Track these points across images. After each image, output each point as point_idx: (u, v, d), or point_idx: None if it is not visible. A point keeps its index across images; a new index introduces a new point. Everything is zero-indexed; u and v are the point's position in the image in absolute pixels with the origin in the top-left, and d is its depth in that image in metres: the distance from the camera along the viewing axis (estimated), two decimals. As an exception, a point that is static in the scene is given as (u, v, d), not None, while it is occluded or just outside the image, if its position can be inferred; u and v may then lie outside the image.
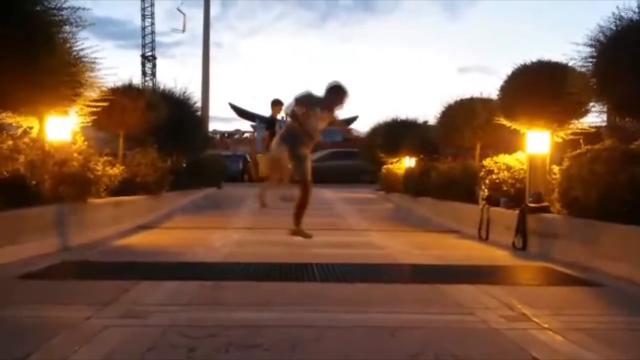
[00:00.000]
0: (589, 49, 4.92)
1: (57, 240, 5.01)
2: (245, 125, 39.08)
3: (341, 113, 5.94)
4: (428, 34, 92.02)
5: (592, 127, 6.17)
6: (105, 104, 6.20)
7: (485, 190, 6.64)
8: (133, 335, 2.53)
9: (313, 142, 5.92)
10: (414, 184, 10.13)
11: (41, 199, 4.95)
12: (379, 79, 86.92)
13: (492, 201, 6.48)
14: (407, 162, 11.75)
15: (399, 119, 13.14)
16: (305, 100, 5.76)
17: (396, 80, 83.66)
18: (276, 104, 9.86)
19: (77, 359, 2.21)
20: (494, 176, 6.65)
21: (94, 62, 5.73)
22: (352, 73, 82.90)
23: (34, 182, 4.90)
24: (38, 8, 4.87)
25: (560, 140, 6.21)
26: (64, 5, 4.97)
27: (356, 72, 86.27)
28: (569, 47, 5.10)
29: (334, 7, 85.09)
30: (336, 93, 5.86)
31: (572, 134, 6.13)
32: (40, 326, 2.65)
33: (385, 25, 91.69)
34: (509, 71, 6.52)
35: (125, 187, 7.01)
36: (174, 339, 2.47)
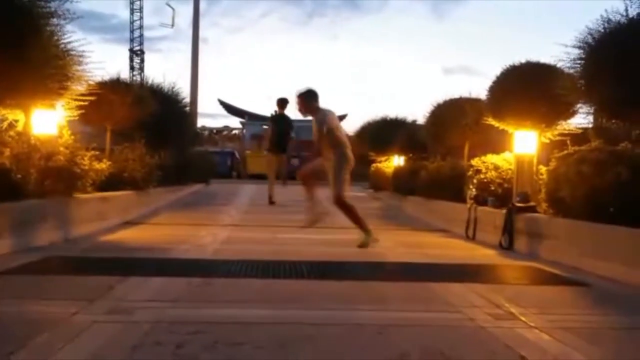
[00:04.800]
0: (577, 51, 4.97)
1: (43, 235, 4.95)
2: (234, 122, 38.90)
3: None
4: (414, 34, 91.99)
5: (579, 128, 6.24)
6: (92, 98, 6.13)
7: (473, 189, 6.69)
8: (120, 332, 2.51)
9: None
10: (402, 183, 10.17)
11: (26, 193, 4.89)
12: (365, 78, 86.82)
13: (479, 201, 6.53)
14: (396, 161, 11.79)
15: (388, 118, 13.19)
16: None
17: (382, 80, 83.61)
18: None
19: (63, 357, 2.18)
20: (481, 176, 6.69)
21: (81, 56, 5.68)
22: (338, 71, 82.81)
23: (19, 176, 4.83)
24: (26, 0, 4.80)
25: (547, 140, 6.27)
26: (52, -2, 4.92)
27: (342, 70, 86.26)
28: (556, 49, 5.16)
29: (321, 5, 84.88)
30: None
31: (559, 134, 6.19)
32: (25, 323, 2.61)
33: (372, 25, 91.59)
34: (497, 72, 6.59)
35: (112, 182, 6.95)
36: (161, 335, 2.45)
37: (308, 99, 5.77)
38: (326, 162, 5.71)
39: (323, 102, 5.85)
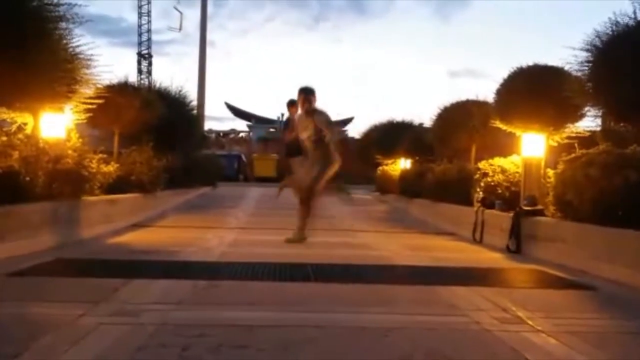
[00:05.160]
0: (585, 54, 4.95)
1: (51, 238, 4.98)
2: (241, 125, 39.04)
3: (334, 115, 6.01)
4: (419, 37, 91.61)
5: (587, 131, 6.20)
6: (100, 101, 6.18)
7: (480, 192, 6.66)
8: (125, 334, 2.52)
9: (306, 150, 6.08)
10: (409, 186, 10.15)
11: (35, 195, 4.92)
12: (369, 81, 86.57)
13: (487, 204, 6.50)
14: (403, 164, 11.78)
15: (394, 121, 13.22)
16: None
17: (386, 83, 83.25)
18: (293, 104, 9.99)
19: (68, 359, 2.19)
20: (489, 179, 6.66)
21: (89, 59, 5.73)
22: (342, 74, 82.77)
23: (27, 179, 4.87)
24: (35, 4, 4.85)
25: (555, 144, 6.23)
26: (61, 2, 4.96)
27: (346, 73, 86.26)
28: (564, 51, 5.14)
29: (326, 8, 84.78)
30: (298, 97, 6.07)
31: (567, 137, 6.15)
32: (31, 324, 2.63)
33: (376, 27, 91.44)
34: (503, 74, 6.59)
35: (120, 185, 6.99)
36: (166, 337, 2.46)
37: (313, 95, 6.02)
38: (306, 161, 5.96)
39: (327, 105, 6.02)
